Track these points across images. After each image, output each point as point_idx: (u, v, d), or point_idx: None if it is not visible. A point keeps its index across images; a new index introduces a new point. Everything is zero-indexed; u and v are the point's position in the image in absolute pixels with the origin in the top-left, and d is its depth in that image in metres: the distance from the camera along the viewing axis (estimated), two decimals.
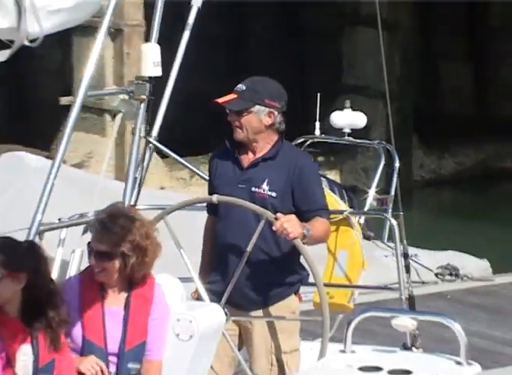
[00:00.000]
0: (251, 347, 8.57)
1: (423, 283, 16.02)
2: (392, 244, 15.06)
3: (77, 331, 7.67)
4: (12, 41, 4.32)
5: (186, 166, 8.96)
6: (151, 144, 9.13)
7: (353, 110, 15.21)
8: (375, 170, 16.30)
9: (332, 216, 9.77)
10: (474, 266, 16.56)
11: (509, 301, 12.69)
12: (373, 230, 14.54)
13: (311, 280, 8.85)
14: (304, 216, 8.24)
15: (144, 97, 8.61)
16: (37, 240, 8.24)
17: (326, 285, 9.15)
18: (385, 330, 7.94)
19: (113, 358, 7.63)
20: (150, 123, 8.97)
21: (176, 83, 8.96)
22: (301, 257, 8.55)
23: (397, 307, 8.64)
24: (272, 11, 31.14)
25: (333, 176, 18.46)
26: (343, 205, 11.18)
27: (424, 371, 7.27)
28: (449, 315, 12.83)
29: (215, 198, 8.29)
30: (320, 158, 20.29)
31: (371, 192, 14.98)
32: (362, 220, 15.42)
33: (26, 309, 7.08)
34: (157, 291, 7.74)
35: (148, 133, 9.05)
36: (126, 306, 7.61)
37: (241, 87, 8.42)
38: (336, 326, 8.45)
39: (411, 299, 9.29)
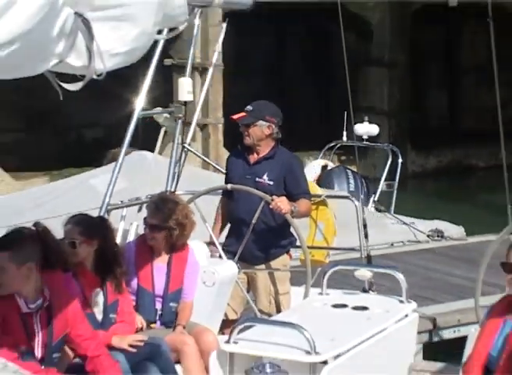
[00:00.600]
0: (256, 290, 9.15)
1: (418, 242, 16.57)
2: (398, 216, 17.23)
3: (133, 280, 8.25)
4: (83, 76, 4.49)
5: (211, 164, 9.56)
6: (185, 149, 9.75)
7: (369, 123, 17.77)
8: (383, 165, 18.70)
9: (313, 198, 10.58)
10: (453, 231, 16.82)
11: (478, 254, 12.98)
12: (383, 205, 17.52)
13: (298, 243, 9.41)
14: (292, 198, 8.85)
15: (180, 115, 9.24)
16: (106, 216, 9.04)
17: (309, 247, 9.68)
18: (352, 279, 8.46)
19: (159, 299, 8.20)
20: (184, 133, 9.52)
21: None
22: (291, 227, 9.15)
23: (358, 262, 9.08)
24: (307, 42, 30.41)
25: (353, 169, 18.84)
26: (319, 191, 11.92)
27: (377, 307, 7.60)
28: (435, 264, 13.67)
29: (229, 186, 8.99)
30: (343, 157, 20.83)
31: (383, 179, 18.49)
32: (376, 198, 17.98)
33: (98, 264, 7.66)
34: (190, 253, 8.38)
35: (183, 141, 9.66)
36: (169, 263, 8.25)
37: (249, 107, 9.02)
38: (315, 276, 8.74)
39: (369, 257, 9.81)
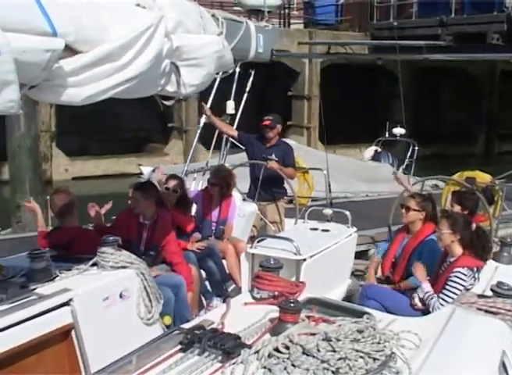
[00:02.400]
0: (266, 218, 9.07)
1: None
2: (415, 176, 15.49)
3: (200, 212, 8.32)
4: (174, 97, 4.88)
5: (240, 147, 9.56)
6: (229, 141, 9.63)
7: (400, 127, 18.37)
8: (407, 151, 19.64)
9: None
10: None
11: None
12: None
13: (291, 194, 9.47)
14: (286, 166, 8.89)
15: (227, 121, 9.26)
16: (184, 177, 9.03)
17: (298, 196, 9.71)
18: (322, 215, 8.45)
19: (214, 224, 8.19)
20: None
21: None
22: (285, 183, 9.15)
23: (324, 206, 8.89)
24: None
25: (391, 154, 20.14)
26: (304, 165, 11.93)
27: (334, 230, 7.64)
28: None
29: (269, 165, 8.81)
30: (385, 146, 21.26)
31: (407, 157, 19.41)
32: (404, 167, 19.06)
33: (179, 204, 7.80)
34: (232, 198, 8.38)
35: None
36: (220, 204, 8.22)
37: (270, 117, 9.00)
38: (301, 213, 8.63)
39: (331, 202, 9.91)
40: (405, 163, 19.53)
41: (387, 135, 19.78)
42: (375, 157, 20.45)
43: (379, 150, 20.66)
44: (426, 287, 6.09)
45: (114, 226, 6.67)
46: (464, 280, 5.82)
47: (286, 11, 28.05)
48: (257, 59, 5.95)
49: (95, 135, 23.93)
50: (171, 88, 4.40)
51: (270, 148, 9.05)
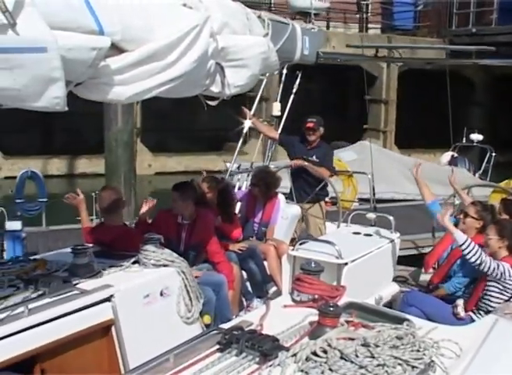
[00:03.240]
0: (308, 222, 8.99)
1: None
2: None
3: (243, 213, 8.34)
4: (218, 97, 4.70)
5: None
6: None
7: (478, 133, 19.07)
8: (484, 156, 19.89)
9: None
10: None
11: None
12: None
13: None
14: (324, 167, 8.79)
15: (273, 123, 9.29)
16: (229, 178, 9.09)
17: (342, 200, 9.81)
18: (365, 219, 8.39)
19: (256, 225, 8.19)
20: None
21: None
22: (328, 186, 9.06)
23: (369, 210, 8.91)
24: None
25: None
26: (348, 168, 11.91)
27: (377, 235, 7.56)
28: None
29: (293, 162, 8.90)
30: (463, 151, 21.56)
31: (484, 162, 19.67)
32: (480, 172, 19.40)
33: (220, 204, 7.70)
34: (277, 199, 8.33)
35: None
36: (264, 205, 8.20)
37: (314, 119, 8.82)
38: (344, 216, 8.48)
39: (375, 207, 9.83)
40: (482, 169, 19.84)
41: (464, 141, 20.03)
42: (452, 162, 20.32)
43: (456, 155, 20.69)
44: (459, 234, 6.15)
45: (153, 225, 6.71)
46: (504, 268, 5.83)
47: (364, 15, 28.30)
48: (302, 61, 5.93)
49: (174, 133, 24.36)
50: (215, 88, 4.40)
51: (311, 149, 8.96)
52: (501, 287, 5.89)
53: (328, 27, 27.32)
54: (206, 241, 6.64)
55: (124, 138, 13.91)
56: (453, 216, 7.25)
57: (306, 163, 8.74)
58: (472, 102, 28.97)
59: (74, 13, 3.10)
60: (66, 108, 3.07)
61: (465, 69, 24.95)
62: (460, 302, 6.34)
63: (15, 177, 14.93)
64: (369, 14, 28.68)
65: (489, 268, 5.88)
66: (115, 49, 3.44)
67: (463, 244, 6.03)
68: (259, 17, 5.02)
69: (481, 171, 19.80)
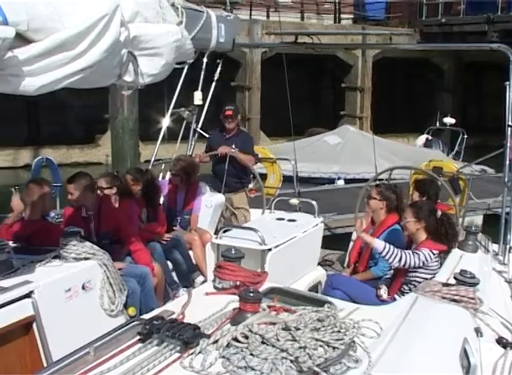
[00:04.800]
0: (233, 206, 9.09)
1: None
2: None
3: (166, 202, 8.29)
4: (132, 87, 4.77)
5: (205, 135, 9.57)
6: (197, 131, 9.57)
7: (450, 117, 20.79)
8: (457, 138, 21.86)
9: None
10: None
11: None
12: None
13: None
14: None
15: (194, 112, 9.23)
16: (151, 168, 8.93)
17: (265, 186, 9.89)
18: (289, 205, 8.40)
19: (179, 213, 8.21)
20: (197, 122, 9.43)
21: None
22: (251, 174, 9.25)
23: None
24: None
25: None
26: (271, 155, 12.00)
27: (301, 220, 7.56)
28: None
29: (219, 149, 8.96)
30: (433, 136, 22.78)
31: (457, 144, 21.73)
32: (453, 153, 21.09)
33: (145, 194, 7.67)
34: (198, 188, 8.38)
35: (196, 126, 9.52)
36: (186, 193, 8.23)
37: (232, 107, 8.97)
38: (269, 203, 8.55)
39: (299, 193, 9.84)
40: (455, 150, 21.44)
41: (438, 124, 21.95)
42: (427, 144, 22.09)
43: (430, 138, 22.36)
44: (377, 243, 6.21)
45: (63, 224, 6.61)
46: (425, 256, 5.92)
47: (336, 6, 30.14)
48: (218, 49, 5.90)
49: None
50: (129, 78, 4.35)
51: (230, 138, 8.98)
52: (423, 270, 6.00)
53: (302, 19, 29.15)
54: (118, 229, 6.57)
55: (129, 126, 15.46)
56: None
57: (232, 150, 8.73)
58: (442, 89, 30.28)
59: None
60: None
61: (436, 58, 26.73)
62: (382, 285, 6.44)
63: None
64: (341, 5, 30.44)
65: (412, 264, 5.98)
66: (22, 40, 3.37)
67: (382, 251, 6.12)
68: (173, 5, 4.97)
69: (453, 152, 21.31)
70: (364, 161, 15.50)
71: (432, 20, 27.92)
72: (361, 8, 31.38)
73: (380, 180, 9.35)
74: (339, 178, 17.99)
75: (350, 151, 18.95)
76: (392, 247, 6.07)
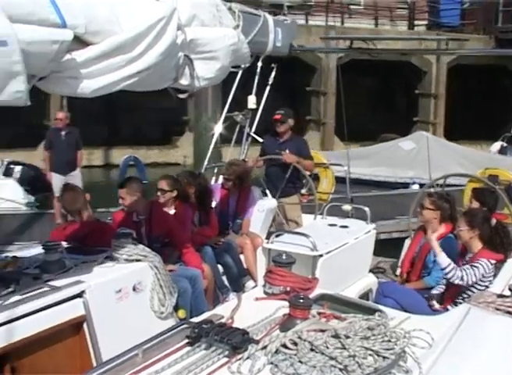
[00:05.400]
0: (285, 211, 8.98)
1: None
2: None
3: (218, 206, 8.24)
4: (187, 90, 4.70)
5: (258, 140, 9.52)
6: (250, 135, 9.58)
7: None
8: None
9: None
10: None
11: None
12: None
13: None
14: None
15: (248, 116, 9.23)
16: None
17: (318, 192, 9.87)
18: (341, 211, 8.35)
19: (231, 217, 8.18)
20: (250, 126, 9.43)
21: None
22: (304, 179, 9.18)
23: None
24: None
25: None
26: (324, 160, 11.94)
27: (353, 226, 7.55)
28: None
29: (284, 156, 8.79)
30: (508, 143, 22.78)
31: None
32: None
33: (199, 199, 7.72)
34: (251, 192, 8.35)
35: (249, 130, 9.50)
36: (238, 197, 8.21)
37: (281, 111, 8.85)
38: (321, 209, 8.52)
39: (352, 199, 9.76)
40: None
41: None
42: (502, 151, 22.07)
43: (505, 145, 22.37)
44: (442, 258, 6.05)
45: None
46: (484, 267, 5.81)
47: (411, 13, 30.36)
48: (275, 53, 5.92)
49: None
50: (184, 81, 4.38)
51: (283, 143, 8.92)
52: (480, 282, 5.89)
53: (376, 25, 29.14)
54: (169, 233, 6.62)
55: (212, 127, 15.21)
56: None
57: (298, 158, 8.69)
58: None
59: (35, 6, 3.06)
60: (29, 103, 3.03)
61: (511, 64, 26.58)
62: (435, 294, 6.36)
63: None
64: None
65: (474, 280, 5.86)
66: (80, 42, 3.41)
67: (445, 268, 6.00)
68: (230, 9, 5.01)
69: None
70: (438, 166, 15.64)
71: (507, 27, 27.89)
72: (436, 15, 31.11)
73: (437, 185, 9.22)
74: (413, 183, 17.90)
75: (424, 156, 18.83)
76: (455, 267, 5.97)
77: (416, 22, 30.58)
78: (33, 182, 14.41)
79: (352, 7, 28.36)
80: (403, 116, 29.24)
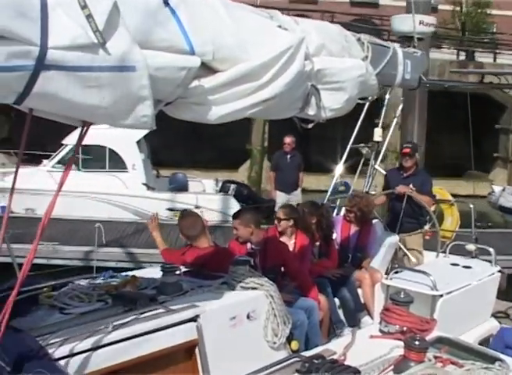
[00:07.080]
0: (406, 247, 8.91)
1: None
2: None
3: (338, 238, 8.17)
4: (313, 120, 4.62)
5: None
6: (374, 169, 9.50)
7: None
8: None
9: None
10: None
11: None
12: None
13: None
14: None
15: (373, 149, 9.25)
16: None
17: (441, 229, 9.57)
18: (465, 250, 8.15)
19: (351, 251, 8.07)
20: (375, 158, 9.39)
21: None
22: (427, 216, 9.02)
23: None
24: None
25: None
26: (449, 197, 11.72)
27: (476, 267, 7.36)
28: None
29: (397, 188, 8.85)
30: None
31: None
32: None
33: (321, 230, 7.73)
34: (373, 226, 8.28)
35: (374, 163, 9.46)
36: (360, 231, 8.14)
37: (410, 145, 8.96)
38: (444, 247, 8.27)
39: (476, 239, 9.49)
40: None
41: None
42: None
43: None
44: None
45: None
46: None
47: None
48: (403, 86, 5.83)
49: None
50: (310, 111, 4.33)
51: (407, 177, 8.81)
52: None
53: (495, 60, 28.80)
54: (285, 264, 6.60)
55: None
56: None
57: (410, 190, 8.58)
58: None
59: (165, 33, 3.10)
60: (154, 127, 3.07)
61: None
62: None
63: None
64: None
65: None
66: (207, 69, 3.44)
67: None
68: (358, 40, 4.97)
69: None
70: None
71: None
72: None
73: None
74: None
75: None
76: None
77: None
78: (246, 199, 15.69)
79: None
80: (486, 151, 28.27)
